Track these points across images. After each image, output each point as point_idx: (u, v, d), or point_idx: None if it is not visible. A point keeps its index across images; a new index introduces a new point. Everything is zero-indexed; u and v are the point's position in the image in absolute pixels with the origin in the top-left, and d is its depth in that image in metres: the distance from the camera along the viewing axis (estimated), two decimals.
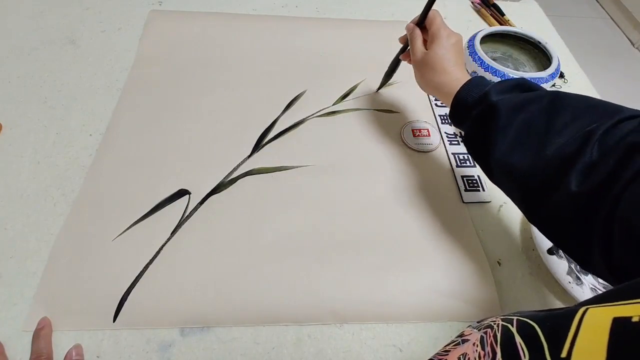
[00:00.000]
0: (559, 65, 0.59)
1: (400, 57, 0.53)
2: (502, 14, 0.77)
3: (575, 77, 0.67)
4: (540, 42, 0.62)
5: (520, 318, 0.20)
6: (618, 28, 2.03)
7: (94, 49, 0.62)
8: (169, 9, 0.69)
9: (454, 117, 0.42)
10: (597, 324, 0.16)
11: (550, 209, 0.31)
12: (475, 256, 0.45)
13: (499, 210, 0.50)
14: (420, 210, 0.48)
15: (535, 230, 0.45)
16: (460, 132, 0.57)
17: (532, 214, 0.34)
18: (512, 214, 0.50)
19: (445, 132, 0.56)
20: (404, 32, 0.49)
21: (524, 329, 0.19)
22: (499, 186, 0.38)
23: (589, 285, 0.42)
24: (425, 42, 0.46)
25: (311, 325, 0.40)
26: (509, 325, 0.20)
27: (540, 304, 0.43)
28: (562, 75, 0.66)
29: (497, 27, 0.65)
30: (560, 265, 0.43)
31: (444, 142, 0.55)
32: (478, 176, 0.52)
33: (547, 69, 0.57)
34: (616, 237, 0.25)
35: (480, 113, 0.37)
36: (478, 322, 0.25)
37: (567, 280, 0.42)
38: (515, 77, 0.57)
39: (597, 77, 0.75)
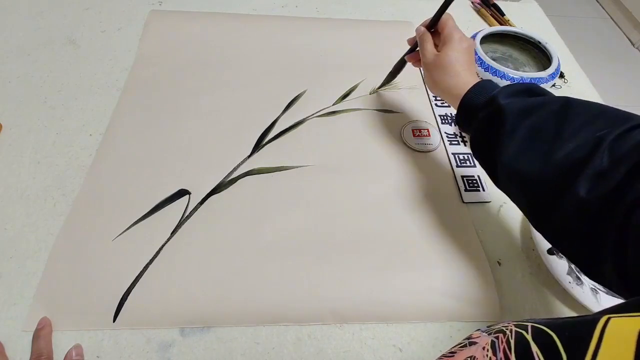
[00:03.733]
0: (559, 65, 0.59)
1: (406, 59, 0.52)
2: (502, 14, 0.77)
3: (575, 77, 0.67)
4: (540, 42, 0.62)
5: (536, 325, 0.19)
6: (618, 28, 2.03)
7: (94, 49, 0.62)
8: (169, 9, 0.69)
9: (461, 120, 0.41)
10: (622, 335, 0.15)
11: (558, 216, 0.30)
12: (475, 256, 0.45)
13: (499, 210, 0.50)
14: (421, 210, 0.48)
15: (535, 230, 0.45)
16: (460, 132, 0.57)
17: (538, 221, 0.33)
18: (512, 214, 0.50)
19: (445, 132, 0.56)
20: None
21: (540, 337, 0.18)
22: (505, 192, 0.37)
23: (589, 285, 0.42)
24: (435, 46, 0.46)
25: (311, 325, 0.40)
26: (524, 332, 0.20)
27: (540, 304, 0.43)
28: (562, 75, 0.66)
29: (497, 27, 0.65)
30: (560, 265, 0.43)
31: (444, 142, 0.55)
32: (478, 176, 0.52)
33: (547, 69, 0.57)
34: (631, 245, 0.25)
35: (486, 116, 0.37)
36: (488, 327, 0.25)
37: (567, 280, 0.42)
38: (518, 78, 0.57)
39: (597, 77, 0.75)
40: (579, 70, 0.70)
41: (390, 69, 0.57)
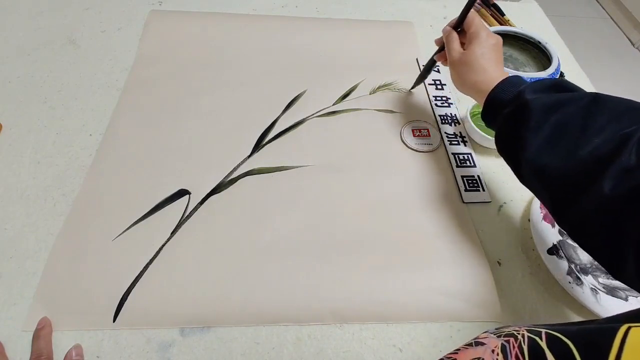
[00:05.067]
0: (559, 65, 0.58)
1: (435, 59, 0.53)
2: (502, 14, 0.77)
3: (575, 77, 0.67)
4: (540, 42, 0.61)
5: (550, 332, 0.19)
6: (618, 28, 2.03)
7: (94, 49, 0.62)
8: (169, 9, 0.69)
9: (487, 115, 0.41)
10: None
11: (581, 213, 0.30)
12: (475, 256, 0.45)
13: (499, 210, 0.50)
14: (420, 210, 0.48)
15: (535, 230, 0.45)
16: (460, 132, 0.57)
17: (561, 217, 0.33)
18: (512, 214, 0.50)
19: (445, 132, 0.56)
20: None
21: (555, 345, 0.18)
22: (528, 187, 0.37)
23: (589, 286, 0.42)
24: (462, 44, 0.46)
25: (311, 325, 0.40)
26: (537, 339, 0.19)
27: (540, 304, 0.43)
28: (562, 75, 0.66)
29: (497, 27, 0.65)
30: (560, 265, 0.43)
31: (444, 142, 0.55)
32: (478, 176, 0.52)
33: (547, 69, 0.57)
34: None
35: (512, 111, 0.36)
36: (496, 329, 0.25)
37: (567, 280, 0.42)
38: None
39: (597, 77, 0.75)
40: (579, 71, 0.70)
41: (393, 68, 0.57)
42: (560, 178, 0.31)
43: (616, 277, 0.30)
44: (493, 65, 0.42)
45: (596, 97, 0.32)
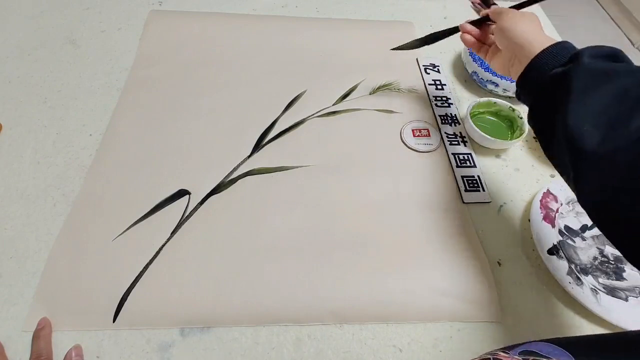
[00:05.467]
0: None
1: (462, 27, 0.49)
2: None
3: None
4: None
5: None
6: (618, 28, 2.03)
7: (94, 49, 0.62)
8: (169, 9, 0.69)
9: (526, 81, 0.39)
10: None
11: (607, 191, 0.28)
12: (475, 256, 0.45)
13: (499, 210, 0.50)
14: (420, 211, 0.48)
15: (535, 230, 0.45)
16: (460, 132, 0.56)
17: (585, 195, 0.31)
18: (512, 214, 0.50)
19: (445, 132, 0.56)
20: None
21: None
22: (553, 160, 0.35)
23: (589, 286, 0.42)
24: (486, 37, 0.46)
25: (311, 325, 0.40)
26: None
27: (540, 304, 0.43)
28: None
29: None
30: (560, 265, 0.43)
31: (444, 142, 0.55)
32: (478, 176, 0.52)
33: None
34: None
35: (564, 72, 0.34)
36: (513, 346, 0.24)
37: (567, 281, 0.42)
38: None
39: None
40: None
41: (393, 68, 0.56)
42: (599, 151, 0.29)
43: (635, 262, 0.28)
44: (540, 33, 0.41)
45: None
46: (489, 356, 0.24)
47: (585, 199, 0.31)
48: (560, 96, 0.33)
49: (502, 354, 0.24)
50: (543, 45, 0.38)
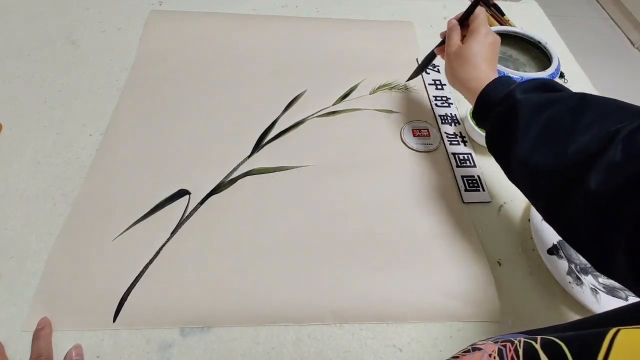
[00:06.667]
0: (559, 65, 0.58)
1: (436, 52, 0.52)
2: (502, 14, 0.77)
3: (575, 77, 0.67)
4: (540, 42, 0.61)
5: (545, 337, 0.20)
6: (618, 28, 2.03)
7: (94, 49, 0.62)
8: (169, 9, 0.69)
9: (478, 114, 0.42)
10: (630, 345, 0.15)
11: (570, 210, 0.30)
12: (475, 256, 0.45)
13: (499, 210, 0.50)
14: (420, 210, 0.48)
15: (535, 230, 0.45)
16: (460, 132, 0.57)
17: (550, 214, 0.33)
18: (512, 214, 0.50)
19: (445, 132, 0.56)
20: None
21: (549, 347, 0.19)
22: (518, 186, 0.38)
23: (589, 286, 0.42)
24: (463, 38, 0.46)
25: (311, 325, 0.40)
26: (532, 342, 0.20)
27: (540, 304, 0.43)
28: (562, 75, 0.66)
29: (498, 27, 0.65)
30: (560, 265, 0.43)
31: (444, 142, 0.55)
32: (478, 176, 0.52)
33: (547, 69, 0.57)
34: None
35: (503, 111, 0.37)
36: (494, 337, 0.25)
37: (567, 280, 0.42)
38: (518, 78, 0.57)
39: (597, 77, 0.75)
40: (579, 71, 0.70)
41: (393, 68, 0.57)
42: (550, 176, 0.32)
43: (607, 274, 0.30)
44: (486, 64, 0.42)
45: (584, 97, 0.33)
46: (469, 347, 0.25)
47: (550, 219, 0.34)
48: (506, 132, 0.36)
49: (480, 342, 0.25)
50: (478, 89, 0.40)
